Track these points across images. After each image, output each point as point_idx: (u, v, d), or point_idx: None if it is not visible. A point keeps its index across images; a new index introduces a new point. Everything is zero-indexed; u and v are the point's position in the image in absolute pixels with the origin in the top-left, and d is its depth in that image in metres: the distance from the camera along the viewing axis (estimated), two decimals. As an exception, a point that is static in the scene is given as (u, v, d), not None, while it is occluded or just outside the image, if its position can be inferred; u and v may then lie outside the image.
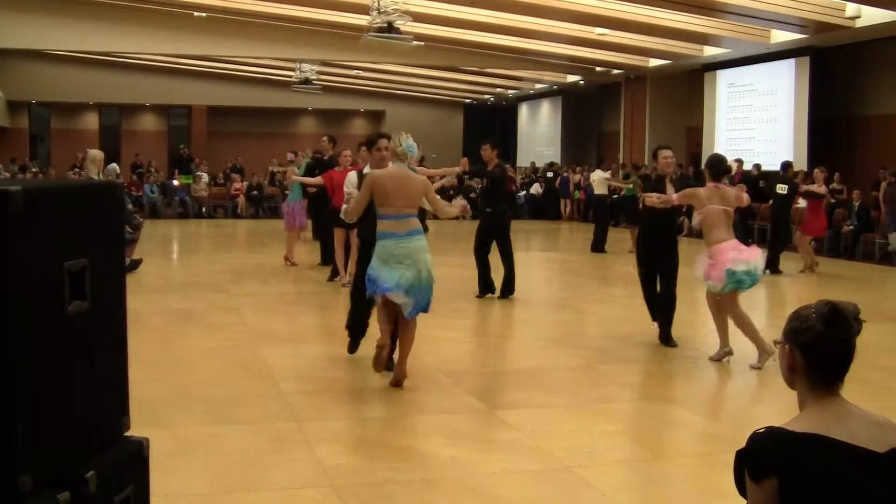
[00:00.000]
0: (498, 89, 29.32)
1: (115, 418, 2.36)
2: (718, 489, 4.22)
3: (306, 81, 23.89)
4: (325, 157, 13.28)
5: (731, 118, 21.21)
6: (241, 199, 23.95)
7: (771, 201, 14.13)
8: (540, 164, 27.77)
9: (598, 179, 17.86)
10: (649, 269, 7.81)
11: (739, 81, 20.69)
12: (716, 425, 5.77)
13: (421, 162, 11.46)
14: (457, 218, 6.90)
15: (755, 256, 6.95)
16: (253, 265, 13.33)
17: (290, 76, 24.74)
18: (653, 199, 7.34)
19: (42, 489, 1.97)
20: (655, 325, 7.84)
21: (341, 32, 18.96)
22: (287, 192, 14.34)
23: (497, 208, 10.24)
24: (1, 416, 1.89)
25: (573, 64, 22.42)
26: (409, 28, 14.95)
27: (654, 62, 21.19)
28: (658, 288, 7.78)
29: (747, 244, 7.27)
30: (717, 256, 6.91)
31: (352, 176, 7.38)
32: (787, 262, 13.36)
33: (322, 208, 12.51)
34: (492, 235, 10.14)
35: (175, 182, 24.63)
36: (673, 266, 7.57)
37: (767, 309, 11.05)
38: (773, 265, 13.29)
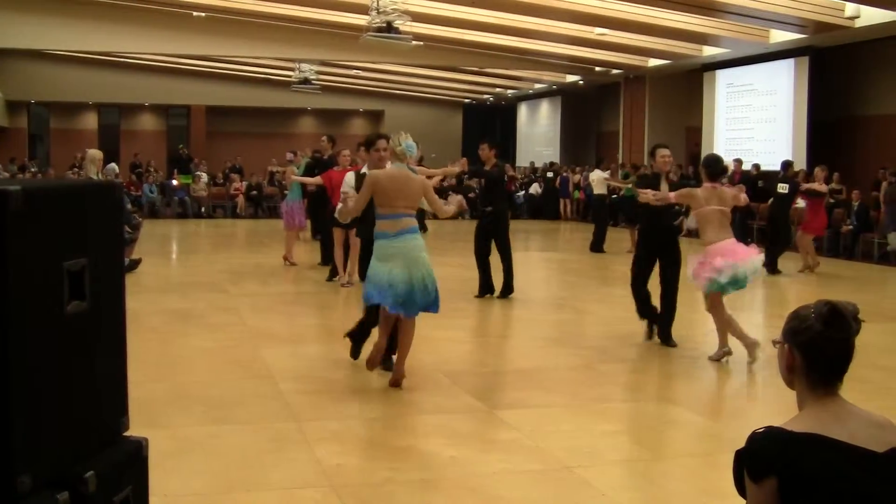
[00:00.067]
0: (497, 89, 29.33)
1: (115, 418, 2.36)
2: (718, 489, 4.22)
3: (305, 81, 23.90)
4: (325, 157, 13.29)
5: (731, 118, 21.21)
6: (241, 199, 23.95)
7: (771, 201, 14.12)
8: (539, 164, 27.78)
9: (598, 179, 17.87)
10: (645, 267, 7.74)
11: (738, 81, 20.70)
12: (715, 425, 5.77)
13: (420, 162, 11.47)
14: (456, 217, 6.92)
15: (747, 260, 6.89)
16: (252, 265, 13.32)
17: (289, 76, 24.75)
18: (648, 195, 7.35)
19: (41, 489, 1.97)
20: (645, 323, 7.84)
21: (340, 32, 18.96)
22: (286, 191, 14.34)
23: (496, 208, 10.24)
24: (1, 416, 1.88)
25: (572, 64, 22.42)
26: (409, 28, 14.94)
27: (653, 62, 21.20)
28: (648, 286, 7.76)
29: (747, 244, 7.28)
30: (708, 257, 6.94)
31: (350, 177, 7.40)
32: (787, 262, 13.36)
33: (321, 208, 12.52)
34: (491, 235, 10.14)
35: (174, 182, 24.62)
36: (674, 266, 7.56)
37: (767, 309, 11.06)
38: (772, 265, 13.30)
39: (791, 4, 14.78)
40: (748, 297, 10.73)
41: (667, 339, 7.66)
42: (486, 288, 10.19)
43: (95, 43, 20.43)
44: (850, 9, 14.83)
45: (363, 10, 14.83)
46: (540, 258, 16.49)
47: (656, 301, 7.78)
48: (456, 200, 6.54)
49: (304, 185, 12.95)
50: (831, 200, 15.79)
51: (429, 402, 5.88)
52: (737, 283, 6.93)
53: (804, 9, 14.91)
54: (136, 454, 2.38)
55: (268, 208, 23.87)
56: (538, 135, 30.51)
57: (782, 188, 13.43)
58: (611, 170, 19.04)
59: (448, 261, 12.85)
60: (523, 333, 8.90)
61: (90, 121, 30.84)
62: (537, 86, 27.83)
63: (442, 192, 9.33)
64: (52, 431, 2.04)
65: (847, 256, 15.82)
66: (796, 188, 13.55)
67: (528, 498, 4.21)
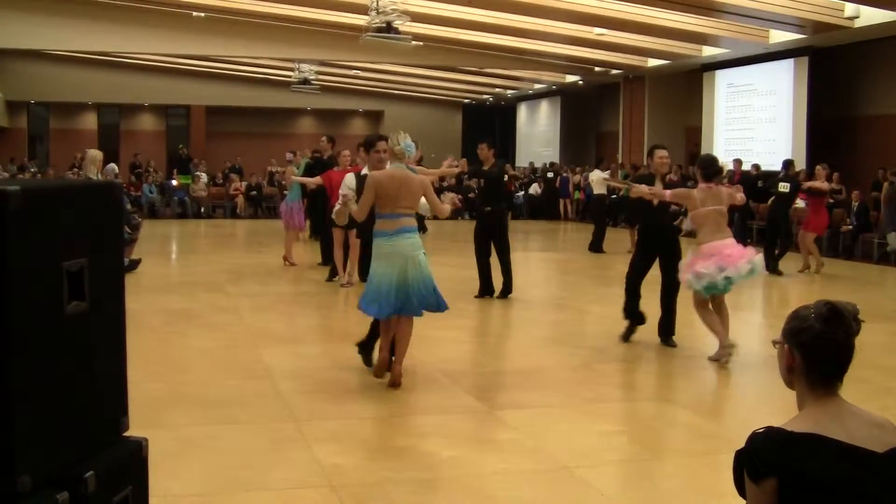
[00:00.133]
0: (497, 89, 29.33)
1: (114, 418, 2.36)
2: (717, 489, 4.22)
3: (305, 81, 23.90)
4: (324, 157, 13.29)
5: (730, 118, 21.22)
6: (240, 200, 23.95)
7: (771, 200, 14.08)
8: (538, 164, 27.78)
9: (597, 179, 17.87)
10: (642, 266, 7.69)
11: (738, 81, 20.70)
12: (715, 425, 5.77)
13: (419, 162, 11.46)
14: (453, 216, 6.95)
15: (736, 265, 6.85)
16: (252, 265, 13.32)
17: (288, 76, 24.76)
18: (642, 189, 7.35)
19: (41, 489, 1.97)
20: (626, 324, 7.81)
21: (340, 32, 18.96)
22: (286, 192, 14.34)
23: (495, 208, 10.24)
24: (1, 416, 1.88)
25: (572, 64, 22.42)
26: (408, 28, 14.96)
27: (652, 62, 21.19)
28: (647, 289, 7.75)
29: (746, 244, 7.28)
30: (699, 256, 6.95)
31: (350, 178, 7.39)
32: (787, 262, 13.33)
33: (321, 208, 12.52)
34: (490, 235, 10.13)
35: (174, 182, 24.62)
36: (674, 266, 7.55)
37: (767, 309, 11.06)
38: (771, 265, 13.29)
39: (791, 4, 14.77)
40: (748, 297, 10.73)
41: (667, 339, 7.66)
42: (486, 289, 10.19)
43: (95, 43, 20.43)
44: (850, 9, 14.82)
45: (363, 10, 14.83)
46: (539, 258, 16.49)
47: (646, 306, 7.78)
48: (449, 198, 6.54)
49: (303, 186, 12.95)
50: (831, 200, 15.79)
51: (428, 403, 5.89)
52: (714, 288, 6.94)
53: (804, 9, 14.90)
54: (136, 454, 2.38)
55: (267, 208, 23.87)
56: (538, 135, 30.51)
57: (783, 187, 13.39)
58: (611, 170, 19.04)
59: (448, 261, 12.86)
60: (523, 333, 8.90)
61: (90, 121, 30.83)
62: (537, 86, 27.83)
63: (439, 192, 9.31)
64: (53, 432, 2.04)
65: (847, 256, 15.82)
66: (797, 187, 13.51)
67: (527, 498, 4.21)
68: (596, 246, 16.01)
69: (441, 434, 5.19)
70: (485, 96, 31.17)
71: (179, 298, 10.08)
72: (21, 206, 1.91)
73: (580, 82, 25.34)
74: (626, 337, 7.78)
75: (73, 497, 2.03)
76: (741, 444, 2.05)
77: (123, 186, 10.28)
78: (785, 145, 18.89)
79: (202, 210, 23.91)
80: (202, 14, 19.07)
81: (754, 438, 2.01)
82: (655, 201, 7.42)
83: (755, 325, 9.60)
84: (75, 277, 2.11)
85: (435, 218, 6.60)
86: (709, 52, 19.54)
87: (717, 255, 6.87)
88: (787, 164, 14.07)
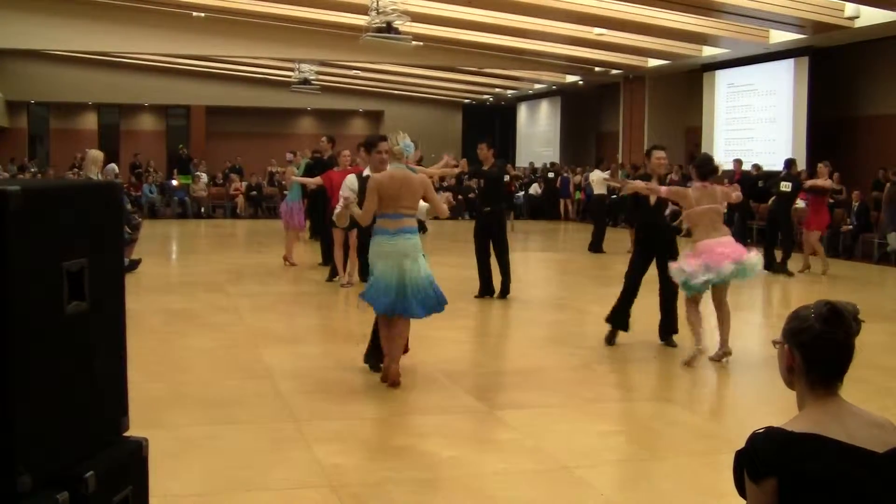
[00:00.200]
0: (497, 89, 29.33)
1: (115, 418, 2.36)
2: (717, 489, 4.22)
3: (305, 82, 23.90)
4: (324, 158, 13.29)
5: (731, 118, 21.21)
6: (240, 200, 23.95)
7: (772, 200, 14.04)
8: (538, 164, 27.78)
9: (598, 180, 17.87)
10: (641, 266, 7.61)
11: (738, 81, 20.69)
12: (714, 425, 5.77)
13: (419, 162, 11.46)
14: (453, 216, 6.96)
15: (723, 265, 6.81)
16: (252, 265, 13.32)
17: (288, 76, 24.75)
18: (639, 185, 7.37)
19: (41, 489, 1.97)
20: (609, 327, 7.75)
21: (340, 32, 18.96)
22: (286, 192, 14.34)
23: (494, 208, 10.24)
24: (1, 416, 1.89)
25: (572, 64, 22.42)
26: (408, 28, 14.95)
27: (652, 62, 21.19)
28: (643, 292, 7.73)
29: (746, 244, 7.28)
30: (693, 253, 6.96)
31: (351, 180, 7.37)
32: (788, 261, 13.31)
33: (321, 208, 12.51)
34: (489, 235, 10.13)
35: (174, 182, 24.63)
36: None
37: (767, 309, 11.06)
38: (771, 265, 13.28)
39: (790, 4, 14.77)
40: (748, 297, 10.73)
41: (667, 339, 7.66)
42: (486, 289, 10.19)
43: (95, 43, 20.43)
44: (850, 9, 14.82)
45: (363, 10, 14.83)
46: (539, 258, 16.49)
47: (645, 306, 7.76)
48: (444, 198, 6.55)
49: (304, 186, 12.95)
50: (831, 200, 15.79)
51: (428, 402, 5.89)
52: (687, 286, 6.94)
53: (804, 9, 14.90)
54: (136, 454, 2.38)
55: (267, 209, 23.87)
56: (538, 135, 30.51)
57: (785, 187, 13.35)
58: (611, 170, 19.05)
59: (448, 261, 12.86)
60: (522, 333, 8.90)
61: (90, 121, 30.83)
62: (537, 86, 27.83)
63: (437, 192, 9.32)
64: (53, 432, 2.04)
65: (847, 256, 15.81)
66: (799, 186, 13.46)
67: (526, 498, 4.21)
68: (596, 246, 16.01)
69: (441, 434, 5.19)
70: (485, 96, 31.17)
71: (179, 298, 10.08)
72: (21, 206, 1.91)
73: (580, 82, 25.34)
74: (611, 340, 7.69)
75: (73, 497, 2.03)
76: (741, 444, 2.05)
77: (123, 186, 10.28)
78: (785, 145, 18.89)
79: (202, 210, 23.91)
80: (202, 14, 19.07)
81: (754, 438, 2.01)
82: (653, 199, 7.43)
83: (755, 325, 9.60)
84: (75, 277, 2.11)
85: (435, 218, 6.60)
86: (709, 52, 19.54)
87: (707, 253, 6.86)
88: (789, 163, 14.00)
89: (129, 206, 15.45)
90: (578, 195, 23.89)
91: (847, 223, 16.32)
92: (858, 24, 15.09)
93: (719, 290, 7.09)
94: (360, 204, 6.20)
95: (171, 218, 23.13)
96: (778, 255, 13.31)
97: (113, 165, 14.55)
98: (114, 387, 2.36)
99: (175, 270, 13.89)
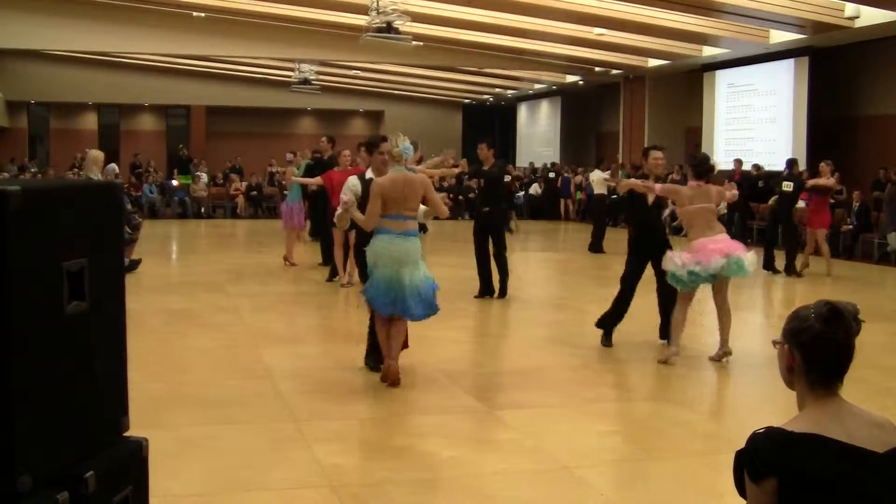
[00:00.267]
0: (497, 89, 29.33)
1: (115, 418, 2.36)
2: (717, 489, 4.22)
3: (305, 82, 23.90)
4: (325, 158, 13.29)
5: (731, 118, 21.22)
6: (241, 200, 23.95)
7: (774, 200, 14.02)
8: (538, 164, 27.78)
9: (598, 179, 17.87)
10: (637, 267, 7.55)
11: (738, 81, 20.70)
12: (714, 425, 5.77)
13: (419, 162, 11.46)
14: (453, 216, 6.96)
15: (711, 260, 6.81)
16: (252, 265, 13.32)
17: (288, 76, 24.75)
18: (635, 183, 7.37)
19: (41, 489, 1.97)
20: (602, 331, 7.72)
21: (340, 32, 18.96)
22: (286, 192, 14.34)
23: (494, 208, 10.24)
24: (1, 416, 1.89)
25: (572, 64, 22.42)
26: (408, 28, 14.95)
27: (653, 62, 21.19)
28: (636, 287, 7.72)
29: (746, 244, 7.28)
30: (687, 250, 6.97)
31: (353, 181, 7.32)
32: (785, 262, 13.31)
33: (322, 209, 12.51)
34: (488, 235, 10.13)
35: (174, 182, 24.63)
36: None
37: (767, 309, 11.06)
38: (770, 265, 13.28)
39: (790, 4, 14.77)
40: (748, 296, 10.74)
41: (668, 339, 7.64)
42: (486, 289, 10.19)
43: (95, 43, 20.43)
44: (850, 9, 14.82)
45: (363, 10, 14.83)
46: (539, 258, 16.50)
47: (644, 307, 7.75)
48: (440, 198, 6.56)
49: (304, 186, 12.94)
50: (831, 201, 15.79)
51: (428, 402, 5.89)
52: (679, 281, 6.95)
53: (804, 9, 14.90)
54: (136, 454, 2.38)
55: (267, 209, 23.87)
56: (538, 135, 30.51)
57: (787, 186, 13.34)
58: (611, 170, 19.05)
59: (447, 261, 12.86)
60: (522, 333, 8.90)
61: (90, 121, 30.83)
62: (537, 86, 27.83)
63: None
64: (53, 432, 2.04)
65: (847, 256, 15.81)
66: (801, 187, 13.44)
67: (526, 498, 4.21)
68: (596, 246, 16.01)
69: (441, 434, 5.19)
70: (485, 96, 31.17)
71: (179, 298, 10.08)
72: (21, 206, 1.91)
73: (580, 82, 25.34)
74: (608, 341, 7.68)
75: (73, 497, 2.03)
76: (741, 444, 2.05)
77: (124, 186, 10.29)
78: (785, 145, 18.90)
79: (202, 210, 23.91)
80: (202, 14, 19.07)
81: (754, 438, 2.01)
82: (651, 198, 7.43)
83: (755, 325, 9.60)
84: (75, 277, 2.11)
85: (436, 218, 6.61)
86: (709, 52, 19.54)
87: (701, 250, 6.88)
88: (791, 163, 13.98)
89: (129, 206, 15.46)
90: (580, 195, 23.89)
91: (847, 223, 16.32)
92: (858, 24, 15.09)
93: (719, 290, 7.09)
94: (360, 206, 6.20)
95: (171, 218, 23.13)
96: (778, 255, 13.30)
97: (113, 165, 14.55)
98: (114, 387, 2.36)
99: (175, 270, 13.89)
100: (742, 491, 2.04)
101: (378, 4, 13.66)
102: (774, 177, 15.01)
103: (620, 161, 22.84)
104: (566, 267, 14.75)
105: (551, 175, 25.36)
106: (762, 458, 1.98)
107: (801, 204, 14.82)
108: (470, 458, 4.76)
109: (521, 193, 25.25)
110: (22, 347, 1.92)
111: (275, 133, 30.98)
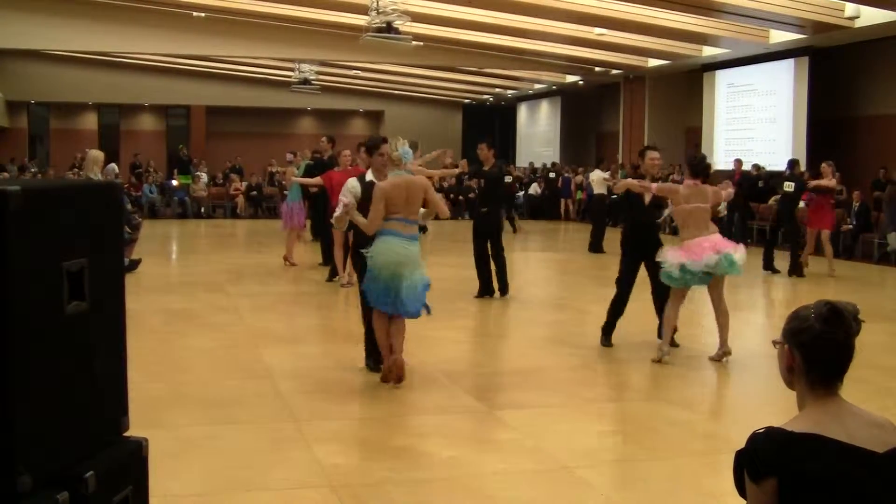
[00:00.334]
0: (497, 89, 29.32)
1: (115, 418, 2.36)
2: (717, 489, 4.22)
3: (305, 82, 23.89)
4: (324, 158, 13.29)
5: (731, 118, 21.21)
6: (240, 200, 23.95)
7: (775, 200, 14.01)
8: (538, 164, 27.78)
9: (598, 179, 17.86)
10: (633, 271, 7.54)
11: (738, 81, 20.69)
12: (714, 425, 5.77)
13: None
14: (453, 216, 6.97)
15: (704, 256, 6.81)
16: (252, 265, 13.32)
17: (288, 76, 24.75)
18: (632, 182, 7.39)
19: (41, 489, 1.97)
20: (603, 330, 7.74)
21: (340, 32, 18.95)
22: (286, 192, 14.35)
23: (492, 208, 10.24)
24: (1, 416, 1.89)
25: (572, 64, 22.41)
26: (408, 28, 14.95)
27: (653, 62, 21.19)
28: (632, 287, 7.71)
29: (746, 244, 7.28)
30: (681, 248, 6.97)
31: (353, 183, 7.31)
32: (785, 262, 13.30)
33: (322, 209, 12.51)
34: (488, 235, 10.12)
35: (174, 182, 24.62)
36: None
37: (767, 309, 11.06)
38: (770, 265, 13.27)
39: (790, 4, 14.77)
40: (748, 296, 10.74)
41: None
42: (485, 289, 10.18)
43: (95, 43, 20.42)
44: (850, 9, 14.82)
45: (363, 10, 14.83)
46: (539, 258, 16.49)
47: (642, 307, 7.75)
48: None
49: (304, 186, 12.94)
50: (831, 201, 15.77)
51: (428, 403, 5.89)
52: (669, 277, 6.96)
53: (804, 9, 14.90)
54: (136, 454, 2.38)
55: (267, 209, 23.87)
56: (538, 135, 30.50)
57: (788, 187, 13.33)
58: (611, 170, 19.05)
59: (447, 261, 12.86)
60: (522, 333, 8.90)
61: (90, 121, 30.83)
62: (537, 86, 27.82)
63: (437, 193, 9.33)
64: (53, 432, 2.04)
65: (847, 256, 15.80)
66: (802, 187, 13.43)
67: (526, 498, 4.21)
68: (596, 246, 16.00)
69: (440, 434, 5.19)
70: (485, 96, 31.16)
71: (179, 298, 10.08)
72: (21, 206, 1.91)
73: (580, 82, 25.34)
74: (608, 341, 7.67)
75: (73, 497, 2.03)
76: (741, 444, 2.05)
77: (124, 186, 10.28)
78: (785, 145, 18.90)
79: (202, 210, 23.91)
80: (202, 14, 19.07)
81: (754, 438, 2.01)
82: (648, 197, 7.42)
83: (755, 325, 9.60)
84: (75, 277, 2.11)
85: (436, 218, 6.61)
86: (709, 52, 19.54)
87: (695, 248, 6.88)
88: (792, 163, 13.96)
89: (129, 206, 15.45)
90: (580, 195, 23.88)
91: (847, 223, 16.31)
92: (858, 24, 15.09)
93: (715, 290, 7.09)
94: (359, 208, 6.19)
95: (171, 218, 23.13)
96: (782, 256, 13.29)
97: (113, 165, 14.54)
98: (114, 387, 2.36)
99: (175, 270, 13.89)
100: (742, 491, 2.04)
101: (378, 4, 13.65)
102: (775, 177, 15.00)
103: (620, 161, 22.84)
104: (566, 267, 14.75)
105: (551, 175, 25.36)
106: (762, 458, 1.98)
107: (801, 204, 14.81)
108: (470, 458, 4.76)
109: (521, 193, 25.25)
110: (22, 347, 1.92)
111: (275, 133, 30.98)
